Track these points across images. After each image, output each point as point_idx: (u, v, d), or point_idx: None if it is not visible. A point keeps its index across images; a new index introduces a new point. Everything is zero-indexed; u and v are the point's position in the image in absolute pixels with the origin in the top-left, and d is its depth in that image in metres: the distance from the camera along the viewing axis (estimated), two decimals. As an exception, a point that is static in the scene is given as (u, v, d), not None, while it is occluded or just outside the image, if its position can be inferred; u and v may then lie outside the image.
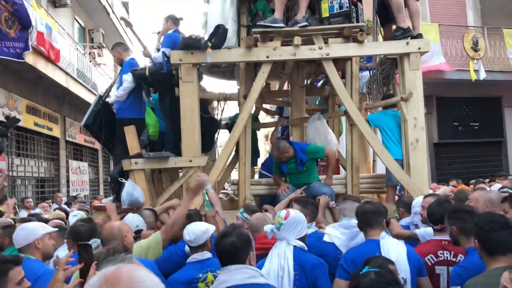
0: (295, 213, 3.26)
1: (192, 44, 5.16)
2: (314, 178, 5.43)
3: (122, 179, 5.32)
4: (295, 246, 3.10)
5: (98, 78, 14.22)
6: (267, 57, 5.23)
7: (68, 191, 13.55)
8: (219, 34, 5.21)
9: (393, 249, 3.12)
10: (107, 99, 5.90)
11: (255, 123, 7.35)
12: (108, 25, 16.49)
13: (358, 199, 4.24)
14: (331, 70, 5.32)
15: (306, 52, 5.25)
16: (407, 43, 5.28)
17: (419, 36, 5.51)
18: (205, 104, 6.37)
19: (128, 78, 5.54)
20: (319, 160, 5.79)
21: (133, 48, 6.92)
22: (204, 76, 6.91)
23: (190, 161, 5.24)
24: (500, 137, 14.65)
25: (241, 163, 5.73)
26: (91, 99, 12.38)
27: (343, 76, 6.22)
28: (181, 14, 6.19)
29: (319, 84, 7.64)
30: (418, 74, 5.30)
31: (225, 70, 6.78)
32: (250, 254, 2.59)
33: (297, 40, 5.15)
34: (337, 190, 5.69)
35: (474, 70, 12.49)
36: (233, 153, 6.20)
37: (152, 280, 1.21)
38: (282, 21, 5.19)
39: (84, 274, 2.00)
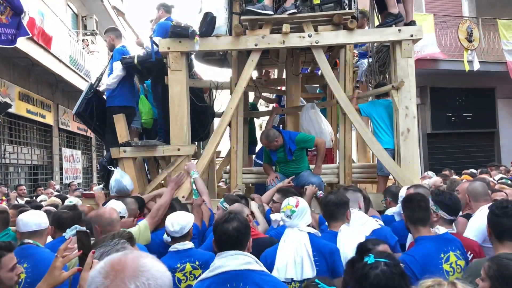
0: (303, 201, 3.32)
1: (180, 33, 5.13)
2: (304, 167, 5.40)
3: (111, 167, 5.34)
4: (309, 233, 3.13)
5: (91, 66, 14.11)
6: (256, 45, 5.17)
7: (61, 179, 13.52)
8: (207, 22, 5.19)
9: (350, 243, 3.10)
10: (98, 87, 5.88)
11: (252, 112, 7.36)
12: (102, 12, 16.33)
13: (359, 189, 4.20)
14: (321, 58, 5.26)
15: (295, 40, 5.17)
16: (399, 30, 5.15)
17: (412, 23, 5.41)
18: (200, 93, 6.37)
19: (118, 66, 5.53)
20: (311, 149, 5.75)
21: (126, 36, 6.84)
22: (200, 64, 6.91)
23: (178, 149, 5.22)
24: (493, 128, 14.73)
25: (232, 152, 5.75)
26: (84, 86, 12.30)
27: (339, 64, 6.15)
28: (175, 1, 6.15)
29: (320, 72, 7.61)
30: (411, 62, 5.15)
31: (220, 58, 6.76)
32: (250, 240, 2.58)
33: (285, 27, 5.07)
34: (330, 179, 5.72)
35: (468, 61, 12.51)
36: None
37: (157, 268, 1.20)
38: (272, 8, 5.12)
39: (82, 262, 2.00)
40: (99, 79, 5.91)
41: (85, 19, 15.91)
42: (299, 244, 3.04)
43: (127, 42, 6.48)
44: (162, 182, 5.58)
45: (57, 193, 9.48)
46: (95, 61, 14.98)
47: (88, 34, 15.87)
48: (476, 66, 12.49)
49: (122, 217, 4.01)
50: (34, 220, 3.45)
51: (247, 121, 7.24)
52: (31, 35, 9.07)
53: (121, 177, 5.13)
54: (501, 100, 14.65)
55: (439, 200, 3.27)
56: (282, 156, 5.35)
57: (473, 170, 9.92)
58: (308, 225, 3.26)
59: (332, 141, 6.29)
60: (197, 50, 5.21)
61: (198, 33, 5.07)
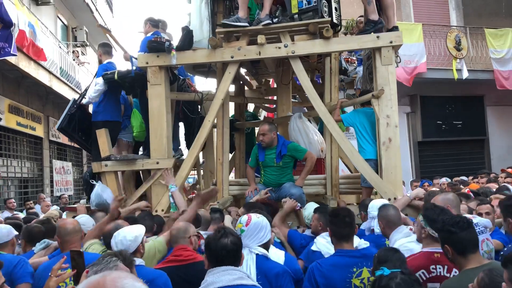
0: (257, 218, 3.11)
1: (156, 47, 5.21)
2: (287, 178, 5.28)
3: (93, 181, 5.44)
4: (257, 254, 2.98)
5: (81, 77, 14.06)
6: (232, 57, 5.15)
7: (52, 191, 13.39)
8: (183, 35, 5.28)
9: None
10: (82, 102, 5.92)
11: (244, 122, 7.34)
12: (92, 23, 16.23)
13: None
14: (298, 67, 5.14)
15: (271, 51, 5.10)
16: (378, 36, 4.96)
17: (394, 28, 5.26)
18: (195, 105, 6.37)
19: (99, 81, 5.59)
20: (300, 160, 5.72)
21: (115, 51, 6.88)
22: (191, 75, 6.90)
23: (157, 163, 5.25)
24: (482, 135, 14.87)
25: (218, 163, 5.73)
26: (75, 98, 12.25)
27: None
28: (166, 12, 6.19)
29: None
30: (391, 69, 4.95)
31: (206, 70, 6.75)
32: (243, 255, 2.59)
33: (260, 38, 5.01)
34: (317, 190, 5.63)
35: (457, 69, 12.68)
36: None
37: None
38: (247, 20, 5.08)
39: (77, 281, 1.98)
40: (82, 95, 5.97)
41: (75, 30, 15.87)
42: (245, 266, 2.90)
43: (116, 57, 6.48)
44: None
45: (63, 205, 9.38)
46: (86, 72, 14.93)
47: (78, 45, 15.82)
48: (465, 75, 12.65)
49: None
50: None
51: (243, 131, 7.26)
52: (18, 48, 9.03)
53: (102, 191, 5.23)
54: (490, 107, 14.81)
55: (427, 215, 3.09)
56: (270, 159, 5.24)
57: (464, 178, 10.00)
58: (265, 243, 3.08)
59: (322, 151, 6.17)
60: (175, 64, 5.24)
61: (174, 47, 5.13)
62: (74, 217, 4.75)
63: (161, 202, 5.15)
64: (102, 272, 2.25)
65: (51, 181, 13.47)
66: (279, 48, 5.06)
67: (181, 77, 6.23)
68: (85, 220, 4.31)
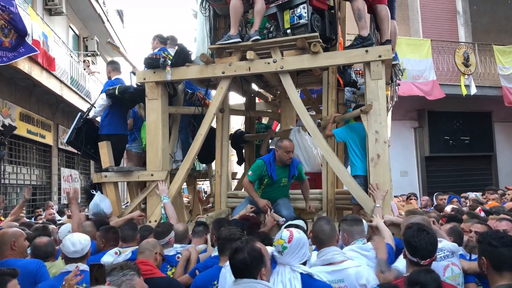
0: (299, 234, 2.90)
1: (152, 64, 5.42)
2: (283, 195, 5.18)
3: (93, 191, 5.67)
4: (301, 273, 2.79)
5: (91, 86, 14.20)
6: (223, 72, 5.23)
7: (59, 199, 13.46)
8: (176, 52, 5.49)
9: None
10: (88, 116, 6.17)
11: (248, 135, 7.38)
12: (103, 33, 16.50)
13: (358, 217, 3.87)
14: (287, 83, 5.15)
15: (260, 66, 5.14)
16: (366, 51, 4.84)
17: (387, 42, 5.19)
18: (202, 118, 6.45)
19: (103, 96, 5.90)
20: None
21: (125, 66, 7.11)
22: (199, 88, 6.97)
23: (152, 175, 5.42)
24: (490, 151, 14.84)
25: (217, 176, 5.81)
26: (84, 107, 12.35)
27: (342, 84, 6.01)
28: (176, 25, 6.36)
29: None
30: (381, 84, 4.80)
31: (210, 84, 6.81)
32: (262, 270, 2.52)
33: (249, 54, 5.07)
34: (313, 205, 5.49)
35: (465, 85, 12.71)
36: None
37: None
38: (238, 35, 5.13)
39: None
40: (89, 110, 6.21)
41: (86, 40, 16.08)
42: (287, 286, 2.74)
43: (125, 72, 6.69)
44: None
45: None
46: (96, 81, 15.08)
47: (89, 55, 16.02)
48: (473, 91, 12.67)
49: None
50: None
51: (253, 143, 7.32)
52: (31, 57, 9.17)
53: (100, 201, 5.44)
54: (497, 124, 14.80)
55: (405, 235, 2.96)
56: (283, 178, 5.03)
57: (471, 194, 9.98)
58: (305, 262, 2.91)
59: (322, 165, 5.98)
60: (169, 79, 5.40)
61: (169, 63, 5.31)
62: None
63: (155, 213, 5.31)
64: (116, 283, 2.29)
65: (59, 189, 13.56)
66: (268, 63, 5.09)
67: (189, 91, 6.35)
68: (62, 229, 4.59)
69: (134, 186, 6.36)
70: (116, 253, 3.82)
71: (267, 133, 7.48)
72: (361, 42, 4.98)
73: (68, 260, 3.47)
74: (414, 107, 13.78)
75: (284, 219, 4.58)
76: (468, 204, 8.21)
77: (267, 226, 4.52)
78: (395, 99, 7.17)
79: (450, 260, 3.09)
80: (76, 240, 3.44)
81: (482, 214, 5.77)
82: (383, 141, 4.72)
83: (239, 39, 5.11)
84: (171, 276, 3.76)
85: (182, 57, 5.43)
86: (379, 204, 4.51)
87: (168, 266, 3.87)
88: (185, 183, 7.06)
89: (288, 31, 5.11)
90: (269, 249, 2.84)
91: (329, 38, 5.38)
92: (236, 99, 8.07)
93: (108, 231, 4.34)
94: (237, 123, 14.62)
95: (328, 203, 5.43)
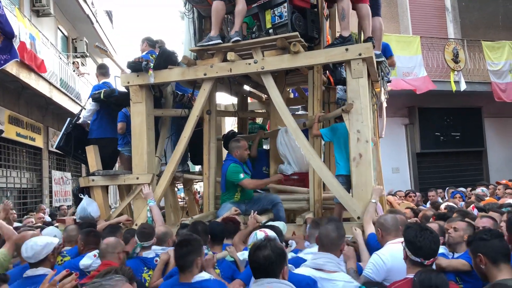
0: (272, 233, 3.15)
1: (135, 67, 5.42)
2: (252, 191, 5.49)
3: (81, 195, 5.71)
4: None
5: (81, 88, 14.10)
6: (205, 74, 5.23)
7: (51, 202, 13.37)
8: (158, 56, 5.52)
9: None
10: (79, 121, 6.21)
11: (241, 136, 7.35)
12: (92, 34, 16.38)
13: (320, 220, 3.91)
14: (269, 83, 5.13)
15: (241, 67, 5.12)
16: (346, 49, 4.78)
17: (369, 39, 5.17)
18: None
19: (90, 101, 5.96)
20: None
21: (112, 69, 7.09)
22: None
23: (137, 178, 5.42)
24: (480, 146, 14.94)
25: (204, 177, 5.80)
26: (74, 109, 12.28)
27: (333, 82, 6.00)
28: (165, 26, 6.36)
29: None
30: (362, 83, 4.73)
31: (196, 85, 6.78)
32: (284, 268, 2.55)
33: (230, 55, 5.05)
34: (301, 206, 5.58)
35: (455, 81, 12.78)
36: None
37: None
38: (218, 37, 5.11)
39: None
40: (78, 115, 6.23)
41: (75, 41, 15.95)
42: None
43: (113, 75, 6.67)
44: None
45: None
46: (86, 83, 14.98)
47: (78, 56, 15.89)
48: (463, 87, 12.75)
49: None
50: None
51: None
52: (19, 59, 9.08)
53: (87, 204, 5.49)
54: (487, 119, 14.90)
55: (406, 235, 2.89)
56: (248, 171, 5.44)
57: (463, 189, 10.02)
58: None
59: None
60: (152, 82, 5.39)
61: (151, 66, 5.32)
62: (65, 228, 4.95)
63: (141, 216, 5.29)
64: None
65: (50, 192, 13.46)
66: (249, 64, 5.07)
67: (179, 93, 6.32)
68: (48, 232, 4.52)
69: (125, 189, 6.30)
70: (95, 255, 3.76)
71: (256, 134, 7.43)
72: (341, 42, 4.96)
73: (30, 264, 3.39)
74: (405, 104, 13.83)
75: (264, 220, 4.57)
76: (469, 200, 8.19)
77: (249, 227, 4.42)
78: (386, 96, 7.16)
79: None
80: (28, 246, 3.35)
81: (476, 211, 5.74)
82: (365, 140, 4.66)
83: (219, 41, 5.09)
84: (148, 279, 3.76)
85: (164, 59, 5.44)
86: (375, 200, 4.52)
87: (145, 268, 3.85)
88: (181, 184, 7.07)
89: (270, 31, 5.11)
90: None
91: (312, 37, 5.34)
92: (228, 99, 8.04)
93: (88, 234, 4.29)
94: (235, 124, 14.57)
95: (315, 203, 5.36)
